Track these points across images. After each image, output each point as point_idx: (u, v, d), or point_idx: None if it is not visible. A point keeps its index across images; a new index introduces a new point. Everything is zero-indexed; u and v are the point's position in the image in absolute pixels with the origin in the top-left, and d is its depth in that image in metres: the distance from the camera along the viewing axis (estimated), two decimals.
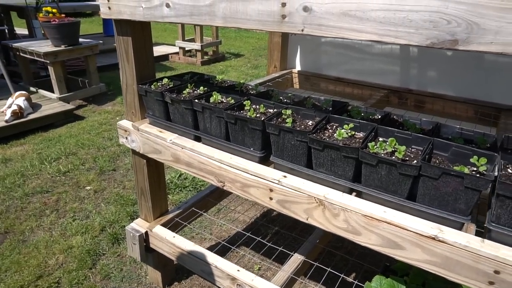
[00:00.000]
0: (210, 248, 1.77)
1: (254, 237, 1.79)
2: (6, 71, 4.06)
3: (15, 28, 6.09)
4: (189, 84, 1.36)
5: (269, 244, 1.72)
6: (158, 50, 7.37)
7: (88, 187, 2.76)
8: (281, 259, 1.85)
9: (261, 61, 7.14)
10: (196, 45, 6.70)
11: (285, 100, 1.34)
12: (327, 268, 1.46)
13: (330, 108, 1.26)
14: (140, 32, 1.35)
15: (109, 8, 1.27)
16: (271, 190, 1.12)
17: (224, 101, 1.28)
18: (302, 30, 0.90)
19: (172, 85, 1.41)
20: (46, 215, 2.44)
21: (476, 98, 1.87)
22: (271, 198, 1.13)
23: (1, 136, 3.46)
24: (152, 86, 1.38)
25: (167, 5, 1.11)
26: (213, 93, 1.26)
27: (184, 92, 1.31)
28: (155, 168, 1.61)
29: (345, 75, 2.24)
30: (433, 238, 0.87)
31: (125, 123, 1.49)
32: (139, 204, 1.72)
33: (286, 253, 1.61)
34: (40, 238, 2.22)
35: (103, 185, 2.80)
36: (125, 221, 2.37)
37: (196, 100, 1.22)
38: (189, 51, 7.18)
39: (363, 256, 1.79)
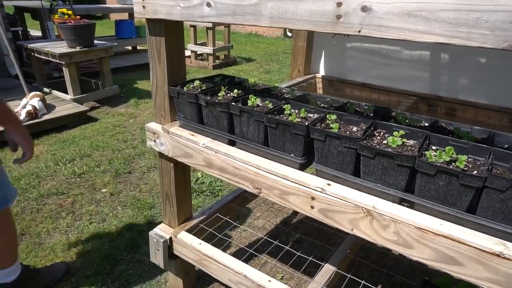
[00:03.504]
0: (232, 255, 1.72)
1: (276, 243, 1.74)
2: (21, 72, 4.05)
3: (29, 30, 6.12)
4: (222, 87, 1.32)
5: (292, 251, 1.66)
6: None
7: (104, 190, 2.72)
8: (305, 268, 1.80)
9: (273, 66, 7.11)
10: (208, 49, 6.70)
11: (322, 105, 1.29)
12: (360, 281, 1.40)
13: (372, 114, 1.21)
14: (173, 32, 1.31)
15: (144, 7, 1.24)
16: (313, 199, 1.07)
17: (261, 104, 1.23)
18: (359, 31, 0.85)
19: (205, 87, 1.37)
20: (62, 217, 2.40)
21: (511, 107, 1.81)
22: (312, 207, 1.08)
23: None
24: (185, 88, 1.34)
25: (208, 4, 1.07)
26: (250, 96, 1.21)
27: (219, 94, 1.26)
28: (182, 173, 1.56)
29: (371, 81, 2.19)
30: (498, 255, 0.81)
31: (153, 125, 1.45)
32: (163, 209, 1.68)
33: (306, 259, 1.55)
34: (57, 241, 2.17)
35: (119, 188, 2.76)
36: (143, 226, 2.32)
37: (233, 103, 1.18)
38: (201, 54, 7.17)
39: (395, 268, 1.72)
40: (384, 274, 1.61)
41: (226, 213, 1.85)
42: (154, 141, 1.45)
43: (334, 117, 1.07)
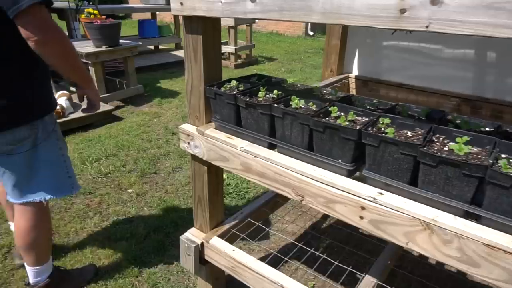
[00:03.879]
0: (261, 260, 1.67)
1: (307, 248, 1.66)
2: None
3: None
4: (261, 87, 1.25)
5: (323, 258, 1.59)
6: None
7: (130, 190, 2.71)
8: (336, 276, 1.72)
9: (295, 65, 7.02)
10: (230, 48, 6.66)
11: (368, 107, 1.21)
12: None
13: (424, 118, 1.12)
14: (211, 30, 1.26)
15: (181, 4, 1.18)
16: (362, 208, 0.99)
17: (303, 106, 1.16)
18: (427, 27, 0.77)
19: (242, 88, 1.31)
20: (89, 217, 2.39)
21: None
22: (361, 217, 1.00)
23: None
24: (222, 89, 1.28)
25: (253, 0, 1.01)
26: (292, 97, 1.14)
27: (260, 95, 1.20)
28: (215, 176, 1.51)
29: (409, 81, 2.08)
30: None
31: (188, 127, 1.40)
32: (194, 213, 1.63)
33: (338, 266, 1.46)
34: (85, 241, 2.16)
35: (145, 188, 2.74)
36: (170, 228, 2.29)
37: (275, 105, 1.11)
38: (222, 54, 7.14)
39: (442, 281, 1.62)
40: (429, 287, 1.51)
41: (257, 217, 1.79)
42: (188, 143, 1.40)
43: (387, 121, 0.99)
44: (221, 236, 1.57)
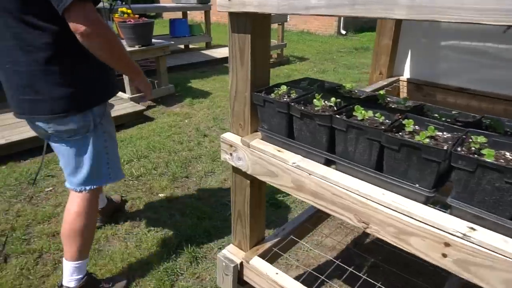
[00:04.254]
0: (297, 278, 1.52)
1: (346, 267, 1.49)
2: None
3: None
4: (316, 94, 1.09)
5: (363, 277, 1.41)
6: (222, 52, 7.31)
7: (161, 195, 2.62)
8: None
9: (327, 65, 6.79)
10: None
11: (446, 119, 1.02)
12: None
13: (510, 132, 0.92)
14: (260, 28, 1.11)
15: None
16: (446, 245, 0.81)
17: (368, 118, 0.99)
18: None
19: (294, 94, 1.15)
20: (121, 223, 2.31)
21: None
22: (444, 255, 0.83)
23: None
24: (273, 95, 1.13)
25: None
26: (356, 107, 0.98)
27: (316, 104, 1.04)
28: (257, 190, 1.37)
29: (471, 86, 1.86)
30: None
31: (230, 136, 1.26)
32: (233, 228, 1.49)
33: None
34: (116, 248, 2.08)
35: (176, 193, 2.64)
36: (203, 237, 2.17)
37: (338, 116, 0.95)
38: None
39: None
40: None
41: (300, 235, 1.63)
42: (230, 154, 1.26)
43: (482, 139, 0.81)
44: (262, 255, 1.43)
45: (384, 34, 1.97)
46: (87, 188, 1.60)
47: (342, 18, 9.82)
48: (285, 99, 1.11)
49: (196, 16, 12.42)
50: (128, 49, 4.09)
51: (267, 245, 1.48)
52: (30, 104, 1.39)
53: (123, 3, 6.04)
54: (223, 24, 12.28)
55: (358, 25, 10.44)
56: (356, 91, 1.24)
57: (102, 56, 1.36)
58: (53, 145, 1.54)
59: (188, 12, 8.03)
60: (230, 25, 1.13)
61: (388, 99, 1.15)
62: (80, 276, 1.65)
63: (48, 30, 1.29)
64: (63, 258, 1.65)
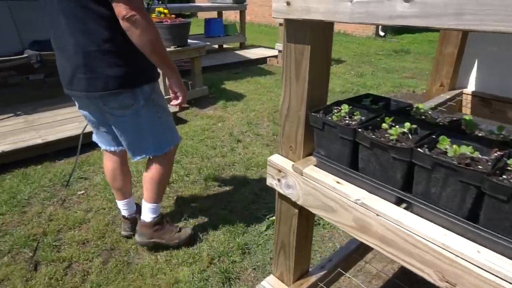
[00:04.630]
0: None
1: None
2: None
3: None
4: (387, 118, 0.92)
5: None
6: (256, 53, 7.19)
7: (193, 204, 2.51)
8: None
9: (365, 68, 6.50)
10: None
11: None
12: None
13: None
14: (322, 39, 0.95)
15: (288, 3, 0.89)
16: None
17: (459, 154, 0.81)
18: None
19: (359, 116, 0.98)
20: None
21: None
22: None
23: None
24: (334, 117, 0.96)
25: None
26: (441, 139, 0.80)
27: (391, 132, 0.86)
28: (305, 221, 1.20)
29: None
30: None
31: (278, 160, 1.11)
32: (275, 258, 1.34)
33: None
34: (145, 262, 1.98)
35: (209, 203, 2.52)
36: (236, 255, 2.04)
37: (420, 150, 0.77)
38: None
39: None
40: None
41: (347, 266, 1.46)
42: (278, 180, 1.11)
43: None
44: None
45: (449, 42, 1.74)
46: (151, 156, 1.84)
47: None
48: (347, 121, 0.94)
49: (230, 16, 12.37)
50: None
51: (313, 279, 1.31)
52: (86, 82, 1.54)
53: (160, 2, 6.04)
54: (257, 24, 12.16)
55: (397, 27, 10.00)
56: (430, 112, 1.05)
57: (140, 43, 1.45)
58: (111, 122, 1.72)
59: (223, 11, 7.96)
60: (286, 34, 0.97)
61: (478, 126, 0.95)
62: (155, 215, 2.01)
63: (105, 15, 1.43)
64: (142, 200, 1.99)
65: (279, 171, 1.09)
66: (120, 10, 1.37)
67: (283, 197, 1.15)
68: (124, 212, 2.12)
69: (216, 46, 7.54)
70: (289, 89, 1.02)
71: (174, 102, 1.72)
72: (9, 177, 2.81)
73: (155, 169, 1.88)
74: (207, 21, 7.23)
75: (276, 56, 6.74)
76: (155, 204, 1.99)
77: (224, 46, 7.64)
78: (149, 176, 1.90)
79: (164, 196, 2.61)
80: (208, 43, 4.59)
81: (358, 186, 0.93)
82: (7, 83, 4.46)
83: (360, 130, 0.87)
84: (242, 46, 7.70)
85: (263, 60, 6.86)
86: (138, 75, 1.60)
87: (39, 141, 3.04)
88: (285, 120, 1.07)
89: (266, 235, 2.22)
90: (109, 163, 2.00)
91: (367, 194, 0.91)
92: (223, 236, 2.19)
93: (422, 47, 8.37)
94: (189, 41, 4.38)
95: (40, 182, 2.74)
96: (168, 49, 4.04)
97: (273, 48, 7.25)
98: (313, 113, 0.97)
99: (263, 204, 2.52)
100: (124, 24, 1.40)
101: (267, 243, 2.15)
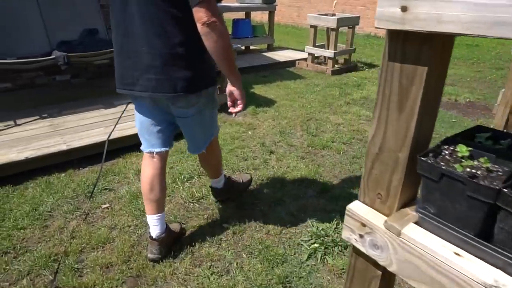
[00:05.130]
0: None
1: None
2: None
3: None
4: None
5: None
6: (283, 55, 6.94)
7: (225, 225, 2.28)
8: None
9: None
10: (329, 52, 6.03)
11: None
12: None
13: None
14: (441, 59, 0.70)
15: (404, 9, 0.64)
16: None
17: None
18: None
19: (488, 164, 0.72)
20: (180, 258, 2.01)
21: None
22: None
23: (135, 142, 3.24)
24: (458, 167, 0.71)
25: None
26: None
27: None
28: (386, 283, 0.95)
29: None
30: None
31: (361, 210, 0.86)
32: None
33: None
34: None
35: (242, 224, 2.29)
36: None
37: None
38: (317, 57, 6.55)
39: None
40: None
41: None
42: (360, 236, 0.86)
43: None
44: None
45: None
46: (207, 146, 2.00)
47: None
48: (474, 171, 0.69)
49: (256, 16, 12.15)
50: None
51: None
52: (155, 83, 1.60)
53: None
54: (284, 24, 11.89)
55: None
56: None
57: (212, 47, 1.50)
58: (177, 119, 1.82)
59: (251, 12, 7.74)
60: (388, 49, 0.72)
61: None
62: (221, 183, 2.39)
63: (182, 19, 1.50)
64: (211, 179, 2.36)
65: (363, 225, 0.84)
66: (201, 16, 1.42)
67: (362, 255, 0.91)
68: (153, 231, 1.95)
69: (243, 47, 7.32)
70: (385, 122, 0.77)
71: (233, 109, 1.76)
72: (32, 185, 2.67)
73: (208, 164, 2.22)
74: (235, 22, 7.03)
75: (305, 59, 6.47)
76: (218, 178, 2.35)
77: (251, 47, 7.42)
78: (210, 163, 2.20)
79: (193, 213, 2.40)
80: (239, 46, 4.38)
81: (487, 262, 0.68)
82: (34, 83, 4.38)
83: (506, 191, 0.61)
84: (270, 48, 7.46)
85: (292, 63, 6.60)
86: (205, 78, 1.69)
87: (63, 147, 2.90)
88: (374, 160, 0.82)
89: (308, 265, 1.97)
90: (149, 169, 1.90)
91: (503, 276, 0.65)
92: (260, 265, 1.95)
93: (460, 52, 7.91)
94: None
95: (64, 193, 2.58)
96: None
97: (302, 51, 6.99)
98: (422, 158, 0.72)
99: (301, 227, 2.27)
100: (203, 30, 1.45)
101: (309, 276, 1.90)
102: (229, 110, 1.78)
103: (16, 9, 3.86)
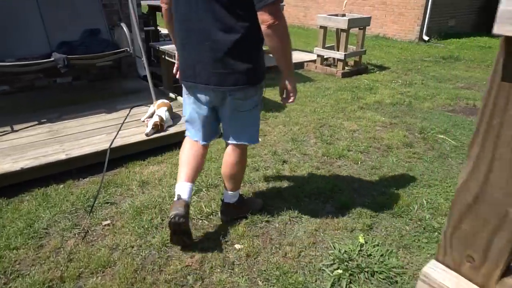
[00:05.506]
0: None
1: None
2: (150, 75, 3.73)
3: (159, 28, 6.04)
4: None
5: None
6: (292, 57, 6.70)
7: (238, 246, 2.08)
8: None
9: (413, 76, 5.92)
10: (339, 54, 5.82)
11: None
12: None
13: None
14: None
15: None
16: None
17: None
18: None
19: None
20: (188, 285, 1.80)
21: None
22: None
23: (139, 150, 3.06)
24: None
25: None
26: None
27: None
28: None
29: None
30: None
31: (442, 277, 0.65)
32: None
33: None
34: None
35: (256, 245, 2.08)
36: None
37: None
38: (326, 59, 6.33)
39: None
40: None
41: None
42: None
43: None
44: None
45: None
46: (246, 143, 2.01)
47: (426, 21, 8.77)
48: None
49: None
50: None
51: None
52: (219, 77, 1.72)
53: None
54: (290, 25, 11.64)
55: (443, 31, 9.29)
56: None
57: (275, 45, 1.63)
58: (233, 112, 1.87)
59: None
60: (504, 64, 0.51)
61: None
62: (235, 198, 2.21)
63: (245, 17, 1.61)
64: (224, 189, 2.18)
65: None
66: (266, 18, 1.54)
67: None
68: (184, 194, 1.94)
69: None
70: (489, 165, 0.56)
71: (286, 101, 1.89)
72: (28, 198, 2.47)
73: (235, 163, 2.06)
74: None
75: (314, 61, 6.26)
76: (234, 192, 2.19)
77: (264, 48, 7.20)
78: (230, 172, 2.08)
79: (202, 231, 2.19)
80: None
81: None
82: (34, 86, 4.19)
83: None
84: None
85: (300, 64, 6.38)
86: (262, 72, 1.82)
87: (62, 156, 2.70)
88: (464, 212, 0.61)
89: None
90: (190, 148, 2.07)
91: None
92: None
93: (473, 54, 7.67)
94: None
95: (61, 207, 2.38)
96: None
97: (310, 52, 6.77)
98: None
99: (322, 249, 2.06)
100: (266, 31, 1.57)
101: None
102: (282, 102, 1.92)
103: (14, 8, 3.66)
